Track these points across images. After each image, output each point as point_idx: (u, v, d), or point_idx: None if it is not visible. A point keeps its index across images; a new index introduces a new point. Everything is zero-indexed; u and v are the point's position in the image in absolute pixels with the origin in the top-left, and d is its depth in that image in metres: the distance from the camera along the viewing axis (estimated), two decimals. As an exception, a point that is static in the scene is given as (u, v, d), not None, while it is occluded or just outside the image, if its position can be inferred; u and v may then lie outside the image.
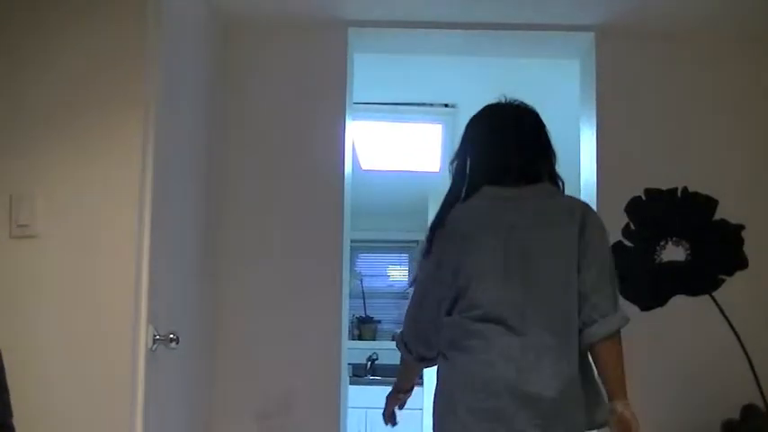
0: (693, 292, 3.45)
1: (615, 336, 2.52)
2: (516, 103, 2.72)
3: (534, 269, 2.51)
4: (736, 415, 3.21)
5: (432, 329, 2.63)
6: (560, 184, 2.69)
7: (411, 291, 2.76)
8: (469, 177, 2.69)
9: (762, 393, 3.29)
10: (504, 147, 2.68)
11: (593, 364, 2.54)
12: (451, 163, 2.76)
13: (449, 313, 2.58)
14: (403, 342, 2.77)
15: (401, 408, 2.95)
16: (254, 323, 3.49)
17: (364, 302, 7.70)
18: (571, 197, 2.69)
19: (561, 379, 2.43)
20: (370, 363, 7.38)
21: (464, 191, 2.68)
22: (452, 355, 2.54)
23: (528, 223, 2.56)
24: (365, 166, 5.87)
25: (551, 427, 2.41)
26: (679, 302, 3.45)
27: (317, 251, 3.54)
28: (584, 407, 2.49)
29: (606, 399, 2.50)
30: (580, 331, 2.49)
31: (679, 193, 3.49)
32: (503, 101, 2.74)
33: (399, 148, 5.69)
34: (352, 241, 3.77)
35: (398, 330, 2.85)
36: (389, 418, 2.95)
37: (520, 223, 2.55)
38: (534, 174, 2.64)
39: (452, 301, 2.57)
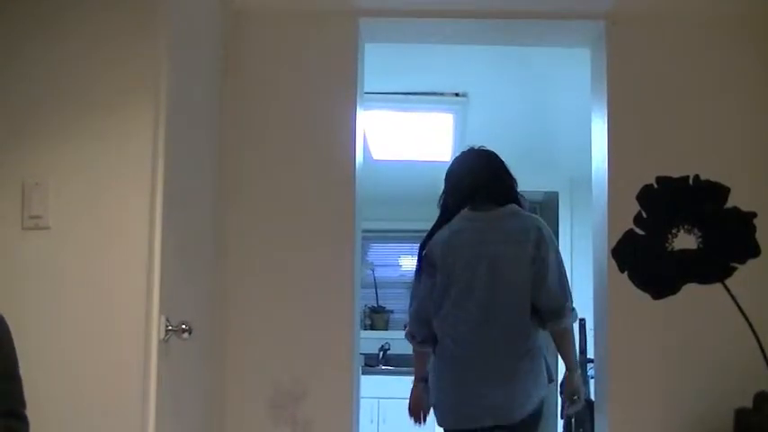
0: (705, 280, 3.44)
1: (569, 327, 3.49)
2: (482, 148, 3.66)
3: (499, 274, 3.39)
4: (748, 403, 3.20)
5: (430, 318, 3.52)
6: (523, 203, 3.58)
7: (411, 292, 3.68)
8: (452, 204, 3.58)
9: (774, 381, 3.29)
10: (476, 180, 3.57)
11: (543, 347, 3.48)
12: (440, 198, 3.67)
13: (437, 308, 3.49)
14: (410, 333, 3.65)
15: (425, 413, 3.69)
16: (266, 313, 3.50)
17: (376, 292, 7.71)
18: (530, 216, 3.55)
19: (515, 357, 3.38)
20: (382, 352, 7.40)
21: (449, 214, 3.57)
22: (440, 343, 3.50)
23: (496, 238, 3.44)
24: (376, 155, 5.87)
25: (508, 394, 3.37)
26: (691, 290, 3.44)
27: (328, 241, 3.54)
28: (534, 379, 3.41)
29: (546, 375, 3.47)
30: (542, 321, 3.42)
31: (691, 181, 3.47)
32: (467, 149, 3.69)
33: (410, 137, 5.69)
34: (363, 231, 3.77)
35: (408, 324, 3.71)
36: (420, 417, 3.71)
37: (490, 238, 3.44)
38: (501, 198, 3.53)
39: (438, 300, 3.48)
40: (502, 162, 3.61)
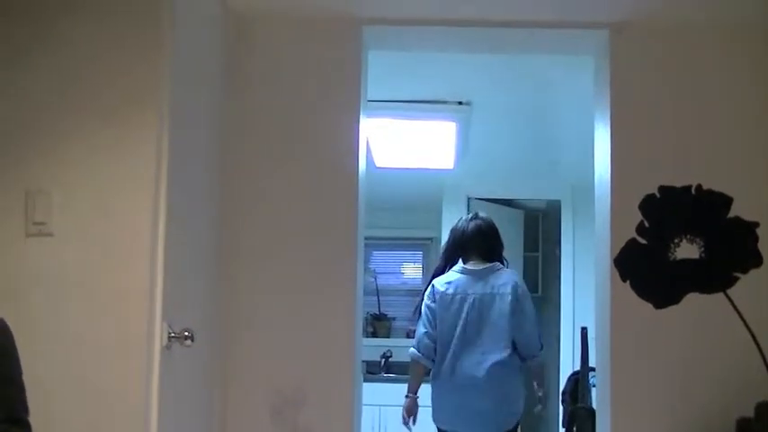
0: (707, 289, 3.44)
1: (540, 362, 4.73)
2: (484, 216, 4.80)
3: (485, 319, 4.53)
4: (750, 413, 3.20)
5: (434, 342, 4.62)
6: (506, 263, 4.75)
7: (419, 320, 4.72)
8: (449, 256, 4.77)
9: (776, 391, 3.28)
10: (473, 240, 4.68)
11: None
12: (443, 248, 4.90)
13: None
14: (419, 352, 4.63)
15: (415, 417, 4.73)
16: (269, 320, 3.50)
17: (378, 299, 7.71)
18: (511, 272, 4.73)
19: (499, 383, 4.48)
20: (384, 360, 7.39)
21: (447, 266, 4.73)
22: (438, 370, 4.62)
23: (483, 290, 4.57)
24: (379, 163, 5.88)
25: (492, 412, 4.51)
26: (693, 300, 3.44)
27: (331, 248, 3.54)
28: (514, 400, 4.57)
29: (520, 403, 4.62)
30: (521, 357, 4.56)
31: (693, 191, 3.48)
32: (469, 216, 4.83)
33: (413, 145, 5.70)
34: (366, 238, 3.77)
35: (412, 347, 4.70)
36: (411, 420, 4.71)
37: (478, 290, 4.57)
38: (490, 257, 4.68)
39: (438, 333, 4.60)
40: (496, 229, 4.75)
